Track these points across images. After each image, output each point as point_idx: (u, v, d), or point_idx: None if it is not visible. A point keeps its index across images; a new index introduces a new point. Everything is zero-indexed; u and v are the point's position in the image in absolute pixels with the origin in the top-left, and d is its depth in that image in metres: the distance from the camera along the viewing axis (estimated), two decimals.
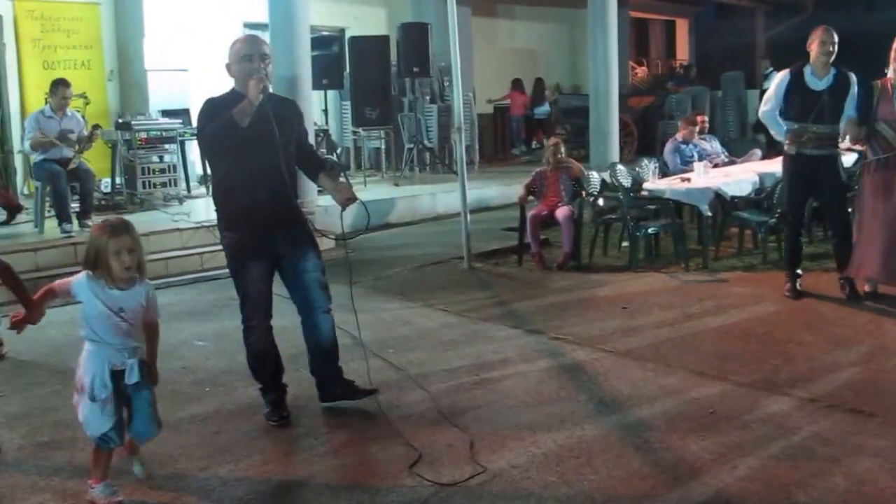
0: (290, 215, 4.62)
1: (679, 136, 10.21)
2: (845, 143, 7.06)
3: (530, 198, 8.78)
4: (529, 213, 8.53)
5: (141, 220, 9.31)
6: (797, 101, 6.72)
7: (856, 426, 4.38)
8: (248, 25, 13.81)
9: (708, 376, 5.17)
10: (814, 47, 6.68)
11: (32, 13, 11.42)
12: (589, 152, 14.76)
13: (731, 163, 10.31)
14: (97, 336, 3.62)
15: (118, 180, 10.69)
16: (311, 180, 4.96)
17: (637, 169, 9.79)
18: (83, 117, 9.38)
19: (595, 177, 9.18)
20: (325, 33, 13.67)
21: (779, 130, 6.93)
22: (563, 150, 8.79)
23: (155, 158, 10.57)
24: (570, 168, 8.71)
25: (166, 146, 10.68)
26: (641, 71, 21.70)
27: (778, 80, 6.91)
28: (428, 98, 14.59)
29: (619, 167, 9.55)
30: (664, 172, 9.67)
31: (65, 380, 5.33)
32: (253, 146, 4.36)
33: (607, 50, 14.42)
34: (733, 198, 8.61)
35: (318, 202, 9.73)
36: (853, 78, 6.71)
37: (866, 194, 6.70)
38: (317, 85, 12.11)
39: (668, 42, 23.91)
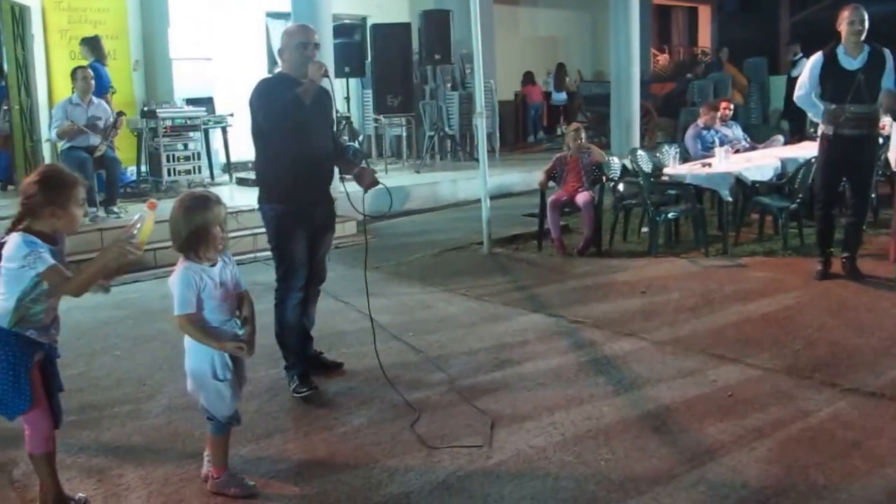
0: (327, 192, 4.98)
1: (700, 121, 10.16)
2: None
3: (551, 183, 8.78)
4: (550, 199, 8.52)
5: (165, 208, 9.38)
6: (832, 82, 6.67)
7: (877, 410, 4.37)
8: (270, 15, 13.93)
9: (727, 359, 5.17)
10: (843, 27, 6.63)
11: (60, 4, 11.51)
12: (610, 139, 14.72)
13: (753, 149, 10.25)
14: (209, 319, 3.50)
15: (143, 168, 10.76)
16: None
17: (658, 155, 9.75)
18: (110, 106, 9.46)
19: (616, 162, 9.16)
20: (347, 21, 13.70)
21: (816, 112, 6.88)
22: (583, 135, 8.79)
23: (180, 146, 10.69)
24: (591, 153, 8.70)
25: (191, 134, 10.82)
26: (663, 58, 21.56)
27: (811, 64, 6.85)
28: (449, 86, 14.59)
29: (640, 152, 9.51)
30: (685, 158, 9.63)
31: (90, 362, 5.45)
32: (312, 124, 4.76)
33: (629, 36, 14.35)
34: (754, 183, 8.56)
35: (339, 188, 9.77)
36: (888, 54, 6.64)
37: None
38: (339, 73, 12.16)
39: (691, 29, 23.73)
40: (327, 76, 4.74)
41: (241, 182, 11.36)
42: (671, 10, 22.99)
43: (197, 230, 3.44)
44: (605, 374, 5.02)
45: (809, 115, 7.22)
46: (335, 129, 5.27)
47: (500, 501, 3.53)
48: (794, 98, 7.07)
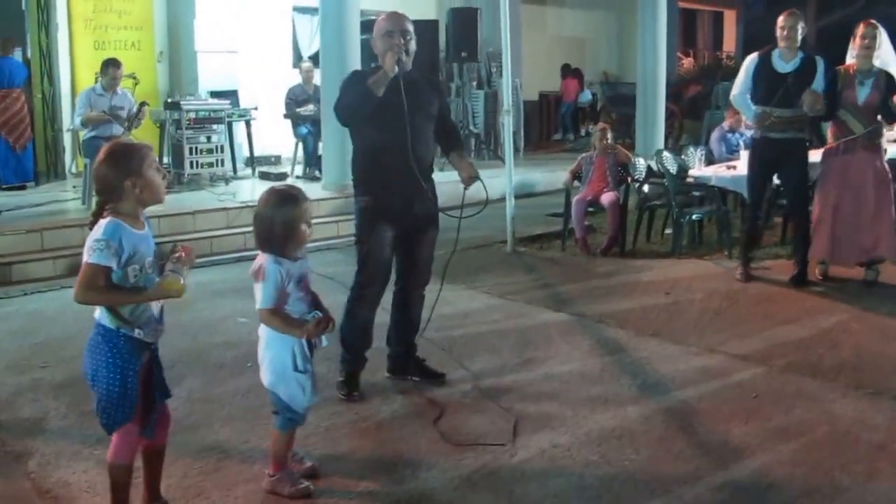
0: (418, 187, 4.65)
1: (726, 124, 10.09)
2: (892, 134, 7.05)
3: (575, 183, 8.74)
4: (574, 198, 8.49)
5: (187, 200, 9.45)
6: (763, 84, 6.79)
7: None
8: (297, 9, 13.94)
9: (752, 361, 5.14)
10: (777, 31, 6.76)
11: None
12: (635, 141, 14.66)
13: None
14: (290, 312, 3.50)
15: (166, 160, 10.80)
16: (444, 155, 5.07)
17: (683, 157, 9.71)
18: (133, 96, 9.50)
19: (641, 163, 9.11)
20: (375, 18, 13.69)
21: (748, 113, 7.03)
22: (609, 135, 8.74)
23: (203, 139, 10.64)
24: (617, 153, 8.66)
25: (214, 126, 10.75)
26: (688, 62, 21.44)
27: (746, 64, 7.02)
28: (475, 83, 14.55)
29: (665, 154, 9.45)
30: (710, 161, 9.57)
31: None
32: (386, 116, 4.50)
33: (656, 38, 14.29)
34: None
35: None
36: (821, 61, 6.75)
37: (826, 178, 6.83)
38: (366, 68, 12.14)
39: (716, 33, 23.60)
40: (399, 66, 4.47)
41: (264, 176, 11.36)
42: (697, 13, 22.88)
43: (284, 226, 3.43)
44: (630, 373, 4.98)
45: (744, 116, 7.40)
46: (444, 121, 4.93)
47: (524, 499, 3.51)
48: (731, 97, 7.22)
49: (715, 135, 10.15)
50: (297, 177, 11.53)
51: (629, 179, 8.63)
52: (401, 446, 4.04)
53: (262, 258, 3.49)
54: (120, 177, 3.04)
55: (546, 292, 6.95)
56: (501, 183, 8.87)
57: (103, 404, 3.08)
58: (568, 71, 17.93)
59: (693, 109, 17.30)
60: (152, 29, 12.21)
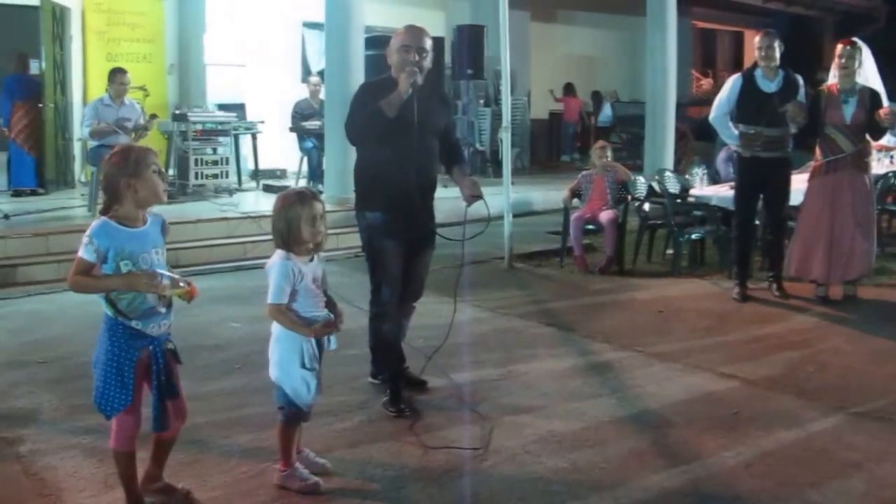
0: (425, 204, 4.75)
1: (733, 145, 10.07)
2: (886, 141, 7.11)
3: (574, 201, 8.76)
4: (573, 216, 8.52)
5: (190, 210, 9.55)
6: (750, 104, 6.86)
7: (882, 433, 4.31)
8: (307, 25, 14.06)
9: (736, 378, 5.13)
10: (756, 52, 6.90)
11: (100, 6, 11.73)
12: (644, 161, 14.66)
13: None
14: (302, 311, 3.60)
15: (172, 171, 10.92)
16: (446, 169, 5.04)
17: (687, 176, 9.71)
18: (142, 107, 9.62)
19: (641, 182, 9.13)
20: (380, 34, 13.79)
21: (729, 134, 7.12)
22: (609, 153, 8.76)
23: (209, 150, 10.79)
24: (617, 171, 8.69)
25: (220, 139, 10.92)
26: (707, 82, 21.43)
27: (729, 85, 7.09)
28: (482, 101, 14.62)
29: (668, 173, 9.46)
30: (715, 181, 9.56)
31: None
32: (396, 135, 4.52)
33: (665, 58, 14.28)
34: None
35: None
36: (800, 79, 6.90)
37: (813, 196, 6.86)
38: (376, 78, 12.23)
39: (736, 53, 23.59)
40: (414, 87, 4.50)
41: (268, 189, 11.47)
42: (716, 33, 22.88)
43: (288, 224, 3.55)
44: (610, 386, 5.01)
45: (723, 137, 7.42)
46: (448, 135, 5.00)
47: (489, 500, 3.55)
48: (710, 118, 7.33)
49: (722, 155, 10.13)
50: None
51: (629, 198, 8.65)
52: (374, 448, 4.08)
53: (275, 255, 3.63)
54: (118, 177, 3.21)
55: (537, 307, 6.98)
56: (503, 200, 8.92)
57: (101, 390, 3.22)
58: (570, 90, 17.92)
59: (708, 130, 17.24)
60: (163, 42, 12.38)
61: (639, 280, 7.99)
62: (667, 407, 4.67)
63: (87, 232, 3.17)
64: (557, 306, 7.00)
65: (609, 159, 8.70)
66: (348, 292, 7.20)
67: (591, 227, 8.60)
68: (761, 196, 7.15)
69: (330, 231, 9.55)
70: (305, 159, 11.72)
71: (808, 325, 6.39)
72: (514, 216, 8.87)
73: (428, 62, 4.71)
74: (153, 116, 9.56)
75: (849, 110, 6.66)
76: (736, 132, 7.00)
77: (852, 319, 6.53)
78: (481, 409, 4.56)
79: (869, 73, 7.06)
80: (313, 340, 3.62)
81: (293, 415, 3.64)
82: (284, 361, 3.61)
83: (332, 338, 3.70)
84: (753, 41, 6.89)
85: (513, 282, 7.99)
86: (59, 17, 10.80)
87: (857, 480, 3.77)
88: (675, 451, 4.09)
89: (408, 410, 4.54)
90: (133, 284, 3.17)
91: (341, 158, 10.08)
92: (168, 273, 3.24)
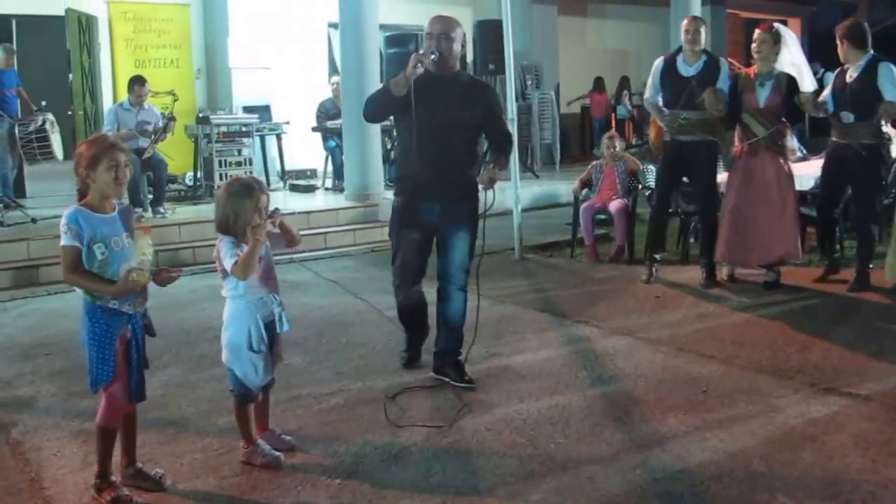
0: (452, 190, 4.82)
1: None
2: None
3: (586, 191, 8.86)
4: (583, 206, 8.62)
5: (208, 210, 9.80)
6: (670, 87, 6.97)
7: (846, 409, 4.39)
8: (332, 25, 14.27)
9: (716, 360, 5.23)
10: (682, 35, 6.97)
11: (126, 14, 12.10)
12: None
13: (804, 159, 10.12)
14: (246, 292, 3.77)
15: (198, 173, 11.25)
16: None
17: None
18: (161, 111, 9.92)
19: (651, 171, 9.18)
20: (402, 32, 13.98)
21: (660, 116, 7.17)
22: (617, 143, 8.85)
23: (233, 152, 11.08)
24: (626, 162, 8.78)
25: (244, 140, 11.19)
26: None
27: (654, 69, 7.17)
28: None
29: None
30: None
31: None
32: (414, 118, 4.64)
33: None
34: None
35: (383, 195, 10.06)
36: (724, 63, 6.92)
37: (731, 180, 6.95)
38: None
39: None
40: (419, 67, 4.56)
41: (294, 188, 11.75)
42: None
43: (235, 214, 3.71)
44: (589, 368, 5.15)
45: (657, 119, 7.43)
46: (485, 128, 5.01)
47: (440, 474, 3.72)
48: (644, 101, 7.45)
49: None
50: (326, 189, 11.88)
51: (639, 188, 8.73)
52: (344, 427, 4.29)
53: (220, 241, 3.82)
54: (78, 168, 3.53)
55: (537, 295, 7.12)
56: (528, 192, 9.01)
57: (89, 366, 3.51)
58: (598, 85, 17.88)
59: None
60: (190, 47, 12.73)
61: (645, 268, 8.04)
62: (639, 385, 4.81)
63: (63, 220, 3.44)
64: (558, 294, 7.14)
65: (617, 150, 8.79)
66: (357, 286, 7.51)
67: (602, 216, 8.71)
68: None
69: (348, 227, 9.92)
70: (329, 158, 11.98)
71: (802, 309, 6.40)
72: (539, 208, 8.98)
73: (453, 46, 4.76)
74: (171, 119, 9.83)
75: (763, 93, 6.73)
76: (665, 113, 7.08)
77: (841, 305, 6.49)
78: (458, 391, 4.74)
79: (795, 57, 7.11)
80: (261, 323, 3.80)
81: (243, 396, 3.86)
82: (234, 345, 3.81)
83: (286, 320, 3.89)
84: (682, 25, 7.04)
85: (519, 272, 8.13)
86: (87, 26, 11.18)
87: (808, 453, 3.85)
88: (636, 427, 4.22)
89: (407, 364, 5.11)
90: (123, 293, 3.47)
91: (359, 155, 10.33)
92: (135, 263, 3.44)
